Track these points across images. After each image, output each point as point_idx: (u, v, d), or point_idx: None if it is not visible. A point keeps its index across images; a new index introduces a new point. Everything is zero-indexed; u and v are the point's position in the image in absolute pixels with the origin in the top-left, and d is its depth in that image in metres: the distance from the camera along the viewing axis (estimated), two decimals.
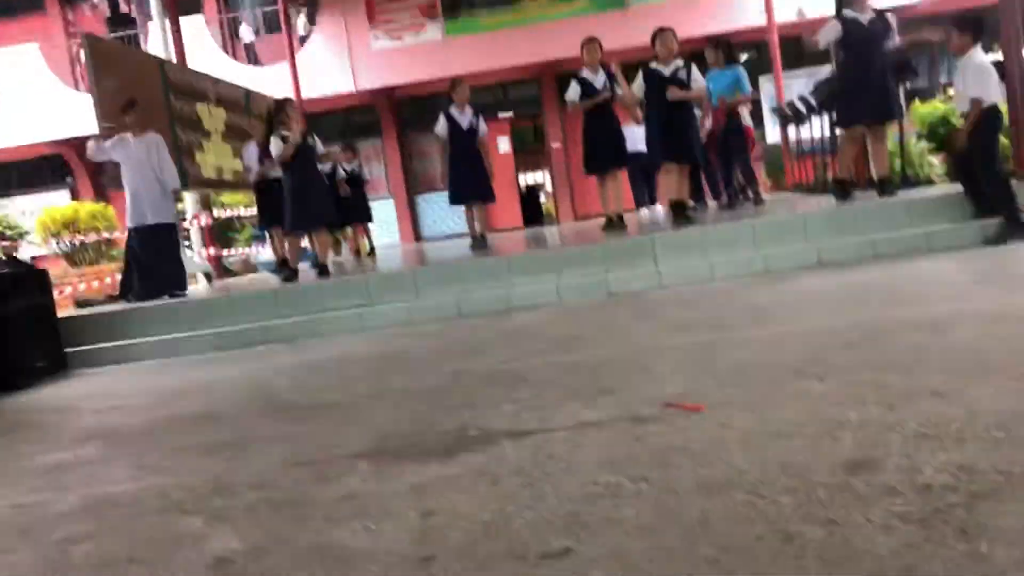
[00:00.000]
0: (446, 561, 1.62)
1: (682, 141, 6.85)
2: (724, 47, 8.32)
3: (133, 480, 2.59)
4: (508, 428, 2.52)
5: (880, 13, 6.57)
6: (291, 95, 11.94)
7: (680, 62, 6.92)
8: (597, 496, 1.84)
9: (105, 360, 6.01)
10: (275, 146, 7.19)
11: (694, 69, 6.98)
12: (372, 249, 11.61)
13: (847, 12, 6.54)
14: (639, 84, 6.96)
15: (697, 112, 8.39)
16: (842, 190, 6.73)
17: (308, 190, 7.08)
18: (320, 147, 7.41)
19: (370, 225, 11.73)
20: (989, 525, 1.43)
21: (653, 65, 6.93)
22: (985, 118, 5.38)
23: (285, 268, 8.78)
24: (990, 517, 1.46)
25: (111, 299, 8.06)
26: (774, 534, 1.52)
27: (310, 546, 1.82)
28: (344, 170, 10.83)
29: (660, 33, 6.93)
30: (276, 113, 7.19)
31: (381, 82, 15.17)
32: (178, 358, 5.84)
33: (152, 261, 7.20)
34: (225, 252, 11.98)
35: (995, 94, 5.43)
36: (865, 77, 6.45)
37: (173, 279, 7.27)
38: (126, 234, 7.59)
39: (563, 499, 1.86)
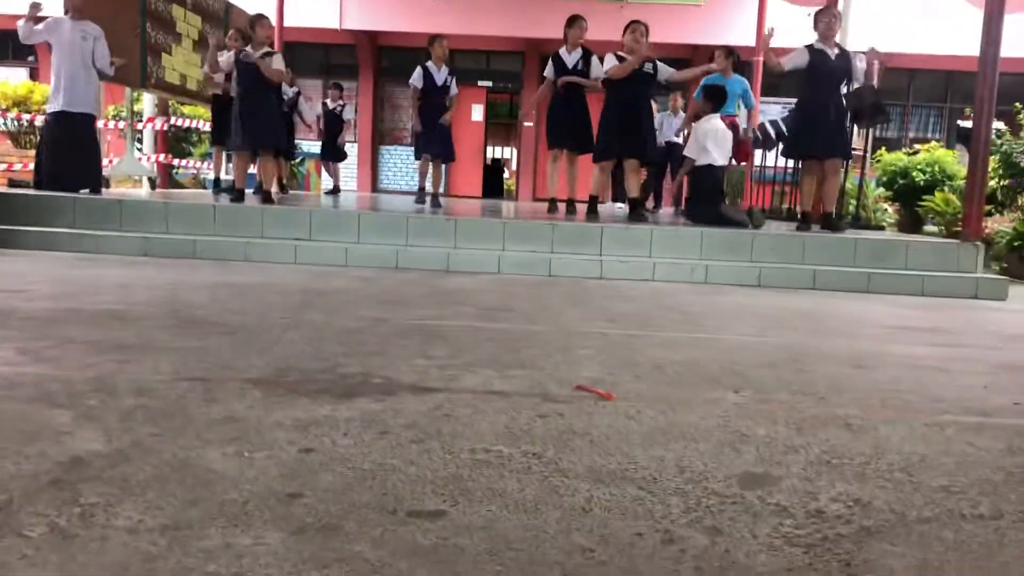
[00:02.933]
0: (312, 501, 1.50)
1: (634, 139, 6.73)
2: (735, 56, 8.21)
3: (9, 364, 2.42)
4: (413, 382, 2.41)
5: (844, 51, 6.52)
6: (272, 18, 11.57)
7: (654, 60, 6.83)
8: (485, 464, 1.74)
9: (26, 244, 5.75)
10: (224, 59, 7.00)
11: (661, 67, 6.86)
12: (337, 188, 11.36)
13: (816, 43, 6.46)
14: (611, 61, 6.78)
15: (662, 117, 8.38)
16: (803, 221, 6.70)
17: (259, 112, 6.78)
18: (279, 64, 7.02)
19: (340, 165, 11.52)
20: (874, 563, 1.36)
21: (622, 54, 6.81)
22: (697, 172, 6.84)
23: (219, 186, 8.55)
24: (877, 555, 1.39)
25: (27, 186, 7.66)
26: (656, 533, 1.43)
27: (175, 461, 1.68)
28: (329, 108, 10.61)
29: (633, 24, 6.77)
30: (250, 27, 6.89)
31: (367, 24, 14.83)
32: (103, 256, 5.61)
33: (68, 151, 6.79)
34: (177, 162, 11.56)
35: (716, 157, 6.78)
36: (823, 112, 6.39)
37: (89, 174, 6.89)
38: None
39: (450, 461, 1.75)
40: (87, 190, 6.81)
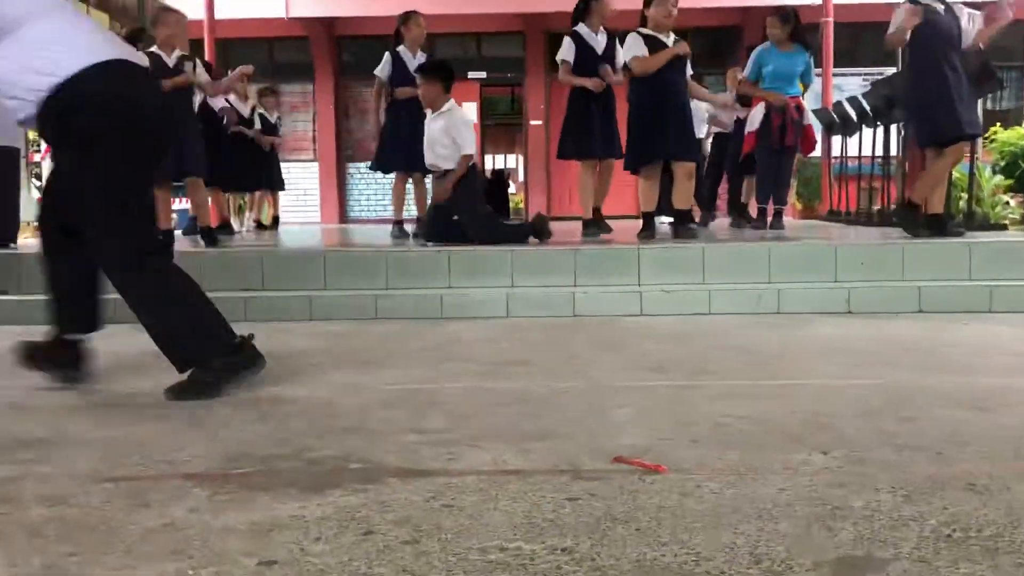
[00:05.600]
0: None
1: (681, 137, 6.81)
2: (794, 20, 8.25)
3: None
4: (402, 465, 2.42)
5: (949, 6, 6.55)
6: (200, 11, 11.80)
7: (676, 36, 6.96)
8: (501, 567, 1.74)
9: None
10: None
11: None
12: (276, 220, 11.56)
13: None
14: (639, 47, 6.89)
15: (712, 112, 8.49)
16: (912, 218, 6.67)
17: (180, 129, 6.92)
18: (202, 75, 7.20)
19: (280, 194, 11.71)
20: None
21: (651, 32, 6.91)
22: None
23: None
24: None
25: None
26: None
27: None
28: (266, 119, 10.80)
29: None
30: (152, 25, 7.07)
31: (320, 10, 15.04)
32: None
33: None
34: None
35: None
36: (954, 82, 6.37)
37: (2, 224, 7.04)
38: None
39: (455, 566, 1.75)
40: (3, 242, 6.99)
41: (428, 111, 7.00)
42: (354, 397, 3.34)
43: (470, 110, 15.82)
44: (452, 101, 6.99)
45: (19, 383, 3.73)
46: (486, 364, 4.02)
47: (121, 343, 4.80)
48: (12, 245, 7.05)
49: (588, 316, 5.60)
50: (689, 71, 7.17)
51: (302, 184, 16.11)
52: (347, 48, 16.49)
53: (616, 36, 7.35)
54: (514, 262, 5.95)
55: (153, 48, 6.95)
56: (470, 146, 6.89)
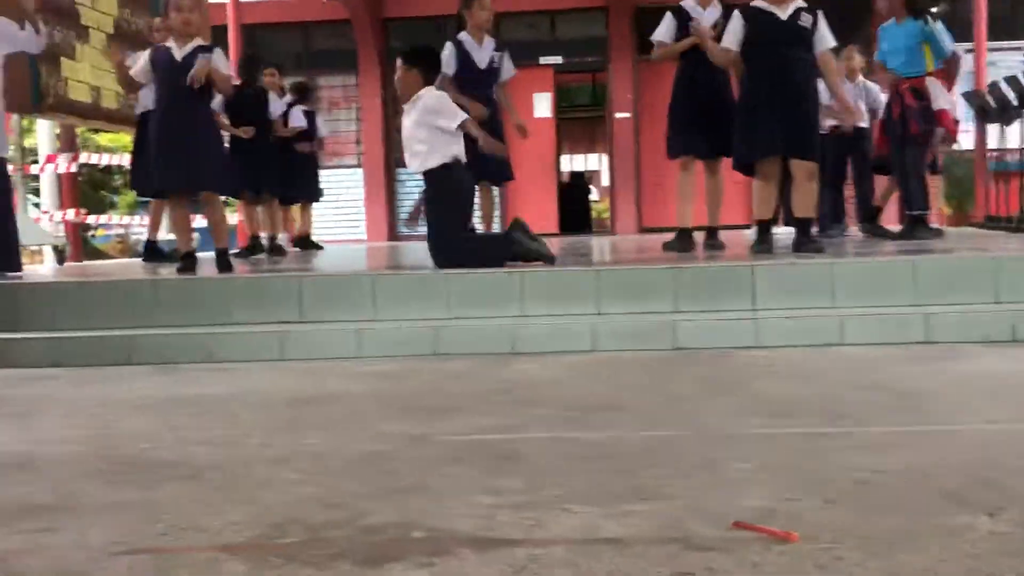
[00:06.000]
0: None
1: (800, 129, 6.76)
2: None
3: None
4: (476, 533, 2.42)
5: None
6: None
7: (802, 2, 6.86)
8: None
9: None
10: (138, 66, 7.19)
11: (821, 20, 6.92)
12: (307, 239, 11.71)
13: None
14: (735, 32, 6.89)
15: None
16: None
17: (192, 135, 7.06)
18: (221, 69, 7.18)
19: (314, 205, 11.85)
20: None
21: (759, 4, 6.88)
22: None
23: (156, 253, 8.81)
24: None
25: None
26: None
27: None
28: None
29: None
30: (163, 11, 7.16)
31: None
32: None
33: None
34: (93, 220, 11.98)
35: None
36: None
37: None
38: None
39: None
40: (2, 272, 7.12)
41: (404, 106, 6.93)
42: (414, 450, 3.34)
43: (543, 100, 15.86)
44: (425, 88, 6.87)
45: (23, 436, 3.82)
46: (570, 409, 4.00)
47: (136, 388, 4.90)
48: (11, 275, 7.15)
49: (692, 349, 5.56)
50: (827, 44, 7.05)
51: (343, 194, 16.25)
52: (397, 32, 16.61)
53: (730, 9, 7.31)
54: (601, 284, 5.93)
55: (168, 41, 7.10)
56: (457, 116, 6.72)
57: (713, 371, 4.86)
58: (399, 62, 6.92)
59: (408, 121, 6.81)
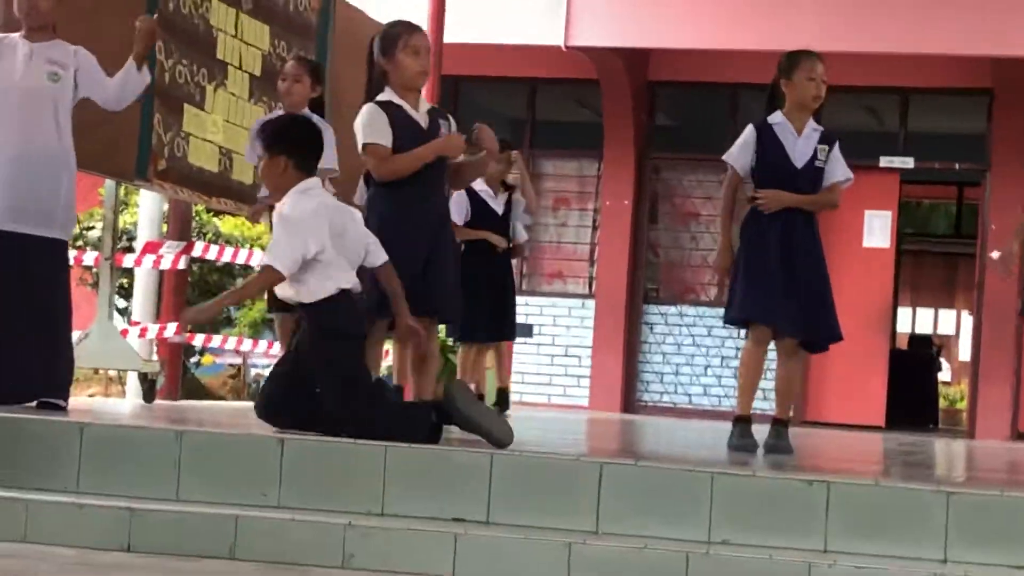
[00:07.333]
0: None
1: None
2: None
3: None
4: None
5: None
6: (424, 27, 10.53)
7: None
8: None
9: None
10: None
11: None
12: (504, 395, 9.75)
13: None
14: None
15: None
16: None
17: (406, 233, 5.65)
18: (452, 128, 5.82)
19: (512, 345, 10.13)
20: None
21: None
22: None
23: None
24: None
25: None
26: None
27: None
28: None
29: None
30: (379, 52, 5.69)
31: (624, 37, 13.24)
32: (34, 548, 4.62)
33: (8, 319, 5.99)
34: (199, 342, 10.45)
35: None
36: None
37: (44, 368, 5.98)
38: None
39: None
40: (36, 402, 5.91)
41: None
42: None
43: (880, 222, 13.32)
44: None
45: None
46: None
47: None
48: (59, 405, 5.91)
49: None
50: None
51: (566, 335, 14.28)
52: (665, 101, 14.70)
53: None
54: (952, 515, 4.35)
55: (385, 94, 5.66)
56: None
57: None
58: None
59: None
